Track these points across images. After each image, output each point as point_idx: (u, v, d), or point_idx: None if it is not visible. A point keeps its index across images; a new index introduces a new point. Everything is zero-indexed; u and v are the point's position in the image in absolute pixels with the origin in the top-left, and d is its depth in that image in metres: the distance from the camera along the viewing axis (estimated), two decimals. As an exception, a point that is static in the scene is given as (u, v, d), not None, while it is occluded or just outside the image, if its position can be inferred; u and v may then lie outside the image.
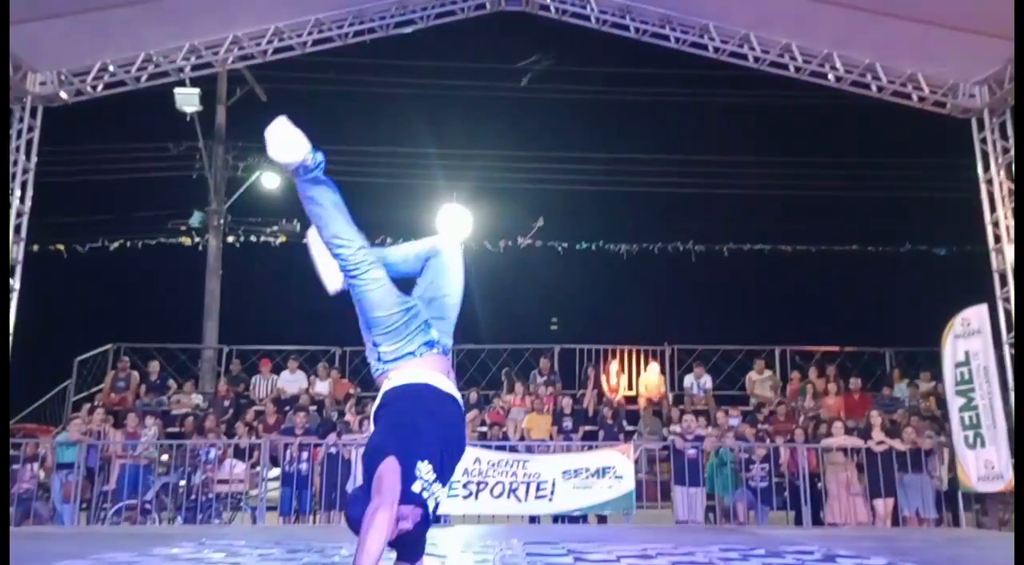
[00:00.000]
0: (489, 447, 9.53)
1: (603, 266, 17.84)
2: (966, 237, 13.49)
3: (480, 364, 13.51)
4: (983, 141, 9.85)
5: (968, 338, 9.39)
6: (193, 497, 9.26)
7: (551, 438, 10.56)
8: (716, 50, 10.20)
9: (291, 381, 12.27)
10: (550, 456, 9.63)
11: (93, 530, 8.41)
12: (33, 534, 7.56)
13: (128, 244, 16.13)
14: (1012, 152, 9.54)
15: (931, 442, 9.67)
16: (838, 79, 10.06)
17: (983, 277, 9.86)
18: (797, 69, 10.11)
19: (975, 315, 9.37)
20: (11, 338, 8.71)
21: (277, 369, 12.68)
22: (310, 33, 10.30)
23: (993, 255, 9.67)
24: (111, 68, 10.01)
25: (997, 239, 9.62)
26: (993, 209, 9.69)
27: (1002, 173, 9.61)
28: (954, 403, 9.53)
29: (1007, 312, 9.45)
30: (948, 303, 10.07)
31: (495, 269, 17.81)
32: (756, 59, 10.14)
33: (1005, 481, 8.70)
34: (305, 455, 9.41)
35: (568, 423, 10.81)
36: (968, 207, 10.35)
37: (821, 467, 9.48)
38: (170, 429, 10.83)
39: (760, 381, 12.29)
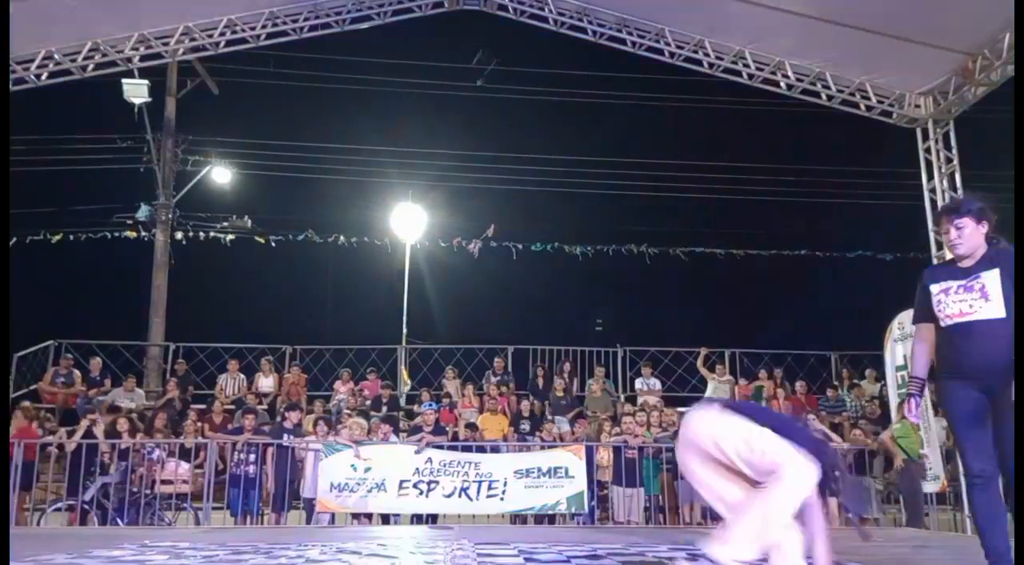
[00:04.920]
0: (441, 447, 9.49)
1: (557, 267, 17.94)
2: (912, 244, 13.83)
3: (433, 364, 13.47)
4: (927, 151, 10.11)
5: (904, 341, 9.62)
6: (135, 497, 9.03)
7: (505, 438, 10.54)
8: (671, 55, 10.31)
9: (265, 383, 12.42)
10: (502, 456, 9.63)
11: (29, 531, 8.15)
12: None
13: (71, 237, 15.71)
14: (955, 162, 9.81)
15: (874, 443, 9.89)
16: (789, 87, 10.24)
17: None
18: (750, 76, 10.26)
19: (908, 318, 9.59)
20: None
21: (247, 370, 12.60)
22: (264, 26, 10.15)
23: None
24: (56, 56, 9.73)
25: (939, 246, 9.89)
26: (936, 217, 9.96)
27: (944, 182, 9.88)
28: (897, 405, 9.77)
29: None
30: (892, 308, 10.31)
31: (448, 269, 17.78)
32: (710, 65, 10.28)
33: (940, 482, 8.95)
34: (253, 456, 9.25)
35: (526, 426, 10.81)
36: (915, 214, 10.59)
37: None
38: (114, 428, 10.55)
39: (720, 384, 12.43)
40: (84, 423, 9.55)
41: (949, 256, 9.44)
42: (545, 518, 9.33)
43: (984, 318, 3.75)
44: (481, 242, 16.99)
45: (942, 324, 3.86)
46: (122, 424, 9.66)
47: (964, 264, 3.87)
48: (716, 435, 3.54)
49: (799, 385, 12.36)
